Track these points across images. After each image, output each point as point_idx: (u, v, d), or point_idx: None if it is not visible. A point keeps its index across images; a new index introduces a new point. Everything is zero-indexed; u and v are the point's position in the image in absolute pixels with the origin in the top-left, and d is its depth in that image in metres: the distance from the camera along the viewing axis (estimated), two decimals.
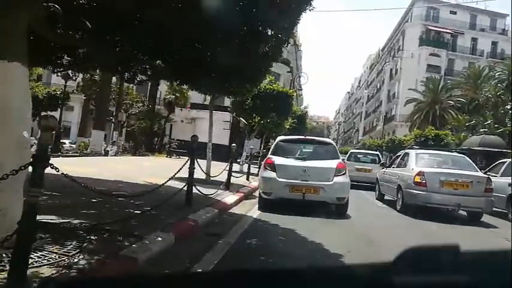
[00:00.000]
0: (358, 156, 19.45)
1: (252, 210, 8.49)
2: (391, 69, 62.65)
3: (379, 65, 74.02)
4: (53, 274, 3.03)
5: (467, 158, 11.08)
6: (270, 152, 9.94)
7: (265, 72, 8.68)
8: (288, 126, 24.46)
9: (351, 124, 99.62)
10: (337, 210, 8.87)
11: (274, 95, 17.01)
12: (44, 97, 30.27)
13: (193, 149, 6.99)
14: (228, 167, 10.59)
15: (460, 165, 10.33)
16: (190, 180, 6.79)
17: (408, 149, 13.87)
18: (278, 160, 9.15)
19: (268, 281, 0.99)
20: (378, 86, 71.40)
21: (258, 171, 16.54)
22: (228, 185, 10.29)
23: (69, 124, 44.95)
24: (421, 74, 51.31)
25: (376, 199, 12.98)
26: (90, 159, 18.54)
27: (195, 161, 6.88)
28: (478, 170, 10.57)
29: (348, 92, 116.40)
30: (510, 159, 12.30)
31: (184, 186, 6.80)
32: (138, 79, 9.74)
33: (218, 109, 26.96)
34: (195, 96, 46.27)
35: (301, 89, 59.76)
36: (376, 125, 65.58)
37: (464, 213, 10.04)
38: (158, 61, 8.94)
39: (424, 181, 9.52)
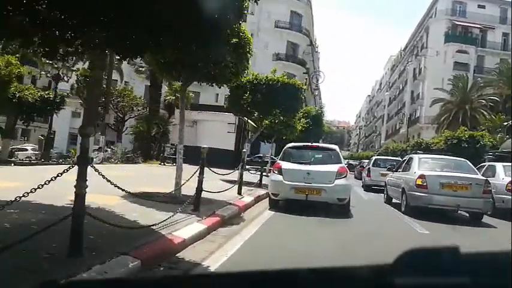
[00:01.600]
0: (383, 162, 20.09)
1: (220, 249, 5.32)
2: (414, 69, 59.32)
3: (401, 66, 70.92)
4: None
5: (468, 162, 11.50)
6: (279, 158, 10.84)
7: (238, 31, 5.60)
8: (300, 128, 21.26)
9: (372, 128, 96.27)
10: (340, 209, 9.53)
11: (278, 88, 13.79)
12: (36, 101, 27.95)
13: (83, 153, 3.90)
14: (199, 177, 7.34)
15: (461, 168, 10.79)
16: (77, 210, 3.69)
17: (412, 154, 14.17)
18: (285, 165, 9.97)
19: (267, 282, 0.99)
20: (401, 87, 68.13)
21: (260, 180, 13.68)
22: (197, 206, 7.10)
23: (76, 131, 42.62)
24: (448, 72, 47.60)
25: (385, 202, 13.45)
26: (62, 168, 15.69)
27: (93, 171, 3.78)
28: (478, 173, 11.21)
29: (369, 95, 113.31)
30: (488, 163, 14.06)
31: (65, 218, 3.72)
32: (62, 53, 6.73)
33: (221, 110, 24.05)
34: (196, 97, 43.49)
35: (317, 89, 56.37)
36: (400, 128, 62.04)
37: (467, 214, 10.43)
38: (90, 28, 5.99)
39: (425, 184, 10.00)
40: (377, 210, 12.11)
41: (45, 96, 29.17)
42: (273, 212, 9.29)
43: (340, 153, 10.76)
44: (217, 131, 24.78)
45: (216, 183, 10.87)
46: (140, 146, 25.53)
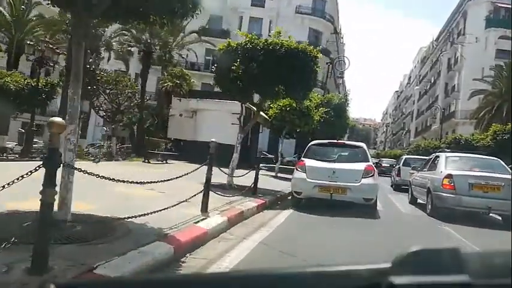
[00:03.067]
0: (413, 161, 19.25)
1: None
2: (448, 59, 54.54)
3: (433, 57, 66.01)
4: None
5: (501, 161, 10.84)
6: (302, 155, 10.58)
7: None
8: (318, 118, 17.16)
9: (400, 125, 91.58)
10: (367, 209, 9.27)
11: (282, 55, 9.73)
12: (22, 89, 24.67)
13: None
14: (42, 197, 3.34)
15: (492, 168, 10.19)
16: None
17: (439, 152, 13.16)
18: (309, 162, 9.76)
19: (266, 282, 0.97)
20: (432, 80, 63.47)
21: (254, 185, 10.01)
22: (42, 255, 2.92)
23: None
24: (489, 61, 42.77)
25: (409, 203, 13.01)
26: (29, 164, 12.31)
27: None
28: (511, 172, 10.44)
29: (396, 91, 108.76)
30: None
31: None
32: None
33: (223, 97, 20.11)
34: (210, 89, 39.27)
35: (341, 77, 51.73)
36: (431, 124, 57.20)
37: (499, 217, 9.88)
38: None
39: (452, 184, 9.57)
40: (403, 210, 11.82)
41: (32, 84, 25.82)
42: (251, 249, 5.27)
43: (367, 151, 10.37)
44: (220, 122, 20.86)
45: (191, 186, 7.04)
46: (131, 140, 21.92)
